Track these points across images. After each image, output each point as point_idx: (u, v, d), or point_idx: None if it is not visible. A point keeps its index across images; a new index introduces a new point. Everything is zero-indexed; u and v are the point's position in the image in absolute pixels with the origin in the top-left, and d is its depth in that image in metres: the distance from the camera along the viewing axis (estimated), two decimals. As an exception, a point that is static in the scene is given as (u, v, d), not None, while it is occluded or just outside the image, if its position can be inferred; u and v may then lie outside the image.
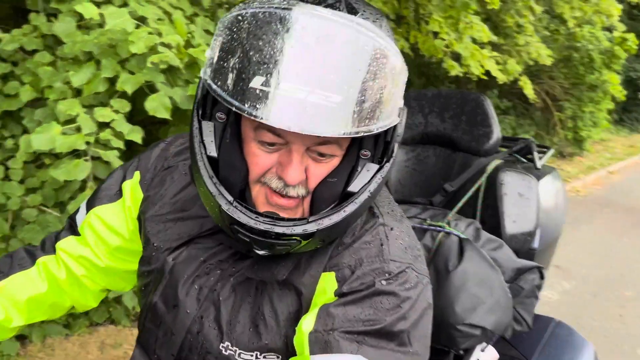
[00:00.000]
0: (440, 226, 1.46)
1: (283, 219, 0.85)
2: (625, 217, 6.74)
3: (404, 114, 0.90)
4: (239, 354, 0.95)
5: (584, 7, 6.41)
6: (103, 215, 1.13)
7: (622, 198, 7.65)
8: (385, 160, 0.90)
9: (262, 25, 0.77)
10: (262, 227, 0.84)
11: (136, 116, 2.64)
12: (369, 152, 0.89)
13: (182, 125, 2.81)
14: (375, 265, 0.92)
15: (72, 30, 2.56)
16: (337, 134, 0.77)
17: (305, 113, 0.75)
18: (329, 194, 0.89)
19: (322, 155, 0.87)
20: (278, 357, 0.95)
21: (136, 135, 2.41)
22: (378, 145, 0.90)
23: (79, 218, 1.16)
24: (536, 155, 1.67)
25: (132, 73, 2.46)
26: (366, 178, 0.89)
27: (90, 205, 1.14)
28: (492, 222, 1.53)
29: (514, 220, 1.51)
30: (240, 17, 0.80)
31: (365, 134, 0.80)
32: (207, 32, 2.84)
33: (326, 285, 0.93)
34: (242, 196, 0.89)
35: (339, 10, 0.81)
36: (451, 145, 1.70)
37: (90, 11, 2.46)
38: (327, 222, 0.86)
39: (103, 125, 2.57)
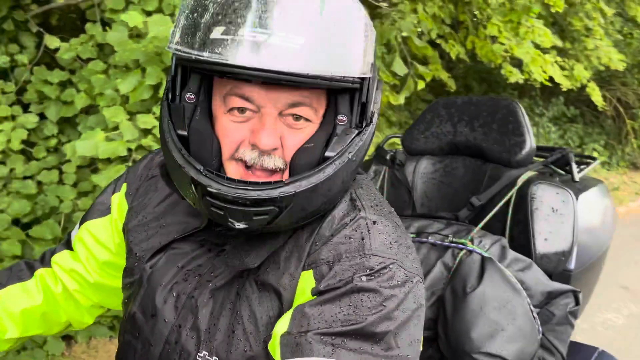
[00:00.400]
0: (462, 243, 1.34)
1: (258, 183, 0.80)
2: None
3: (380, 84, 0.89)
4: None
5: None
6: (93, 230, 1.13)
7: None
8: (364, 125, 0.86)
9: None
10: (235, 192, 0.79)
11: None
12: (346, 118, 0.86)
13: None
14: (355, 261, 0.85)
15: (124, 39, 2.65)
16: (300, 71, 0.75)
17: (266, 53, 0.74)
18: (306, 160, 0.84)
19: (296, 119, 0.84)
20: None
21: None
22: (355, 111, 0.86)
23: (73, 233, 1.17)
24: (574, 166, 1.52)
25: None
26: (345, 142, 0.84)
27: (83, 220, 1.15)
28: (522, 239, 1.40)
29: (546, 238, 1.37)
30: None
31: (335, 81, 0.78)
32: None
33: (305, 285, 0.87)
34: None
35: None
36: (481, 155, 1.58)
37: (134, 19, 2.54)
38: (305, 183, 0.81)
39: (146, 132, 2.63)
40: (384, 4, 3.85)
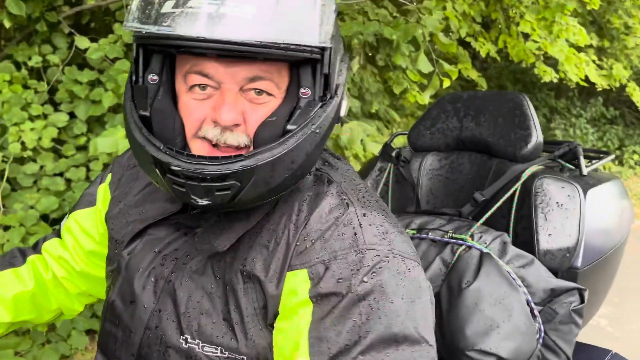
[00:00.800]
0: (462, 239, 1.32)
1: (217, 158, 0.79)
2: None
3: (345, 57, 0.89)
4: (202, 347, 0.89)
5: None
6: (80, 220, 1.16)
7: None
8: (329, 97, 0.85)
9: None
10: (195, 168, 0.79)
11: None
12: (309, 90, 0.85)
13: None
14: (351, 258, 0.84)
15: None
16: (252, 40, 0.75)
17: (217, 22, 0.74)
18: (269, 134, 0.84)
19: (258, 93, 0.83)
20: (241, 359, 0.89)
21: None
22: (318, 83, 0.85)
23: (63, 222, 1.20)
24: (582, 160, 1.47)
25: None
26: (308, 114, 0.84)
27: (72, 210, 1.18)
28: (526, 236, 1.36)
29: (550, 233, 1.33)
30: None
31: (290, 51, 0.78)
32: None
33: (297, 284, 0.85)
34: None
35: None
36: (487, 150, 1.55)
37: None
38: (266, 156, 0.80)
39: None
40: (410, 4, 3.82)
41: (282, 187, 0.86)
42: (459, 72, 4.50)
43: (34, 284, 1.15)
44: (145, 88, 0.87)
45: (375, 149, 3.15)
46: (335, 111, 0.88)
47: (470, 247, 1.29)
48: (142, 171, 1.07)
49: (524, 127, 1.45)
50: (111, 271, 1.05)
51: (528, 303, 1.24)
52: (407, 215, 1.48)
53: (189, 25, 0.75)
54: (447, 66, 3.53)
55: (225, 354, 0.89)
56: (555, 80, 4.94)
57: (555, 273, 1.34)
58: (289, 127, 0.83)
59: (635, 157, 8.04)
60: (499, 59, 5.16)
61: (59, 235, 1.20)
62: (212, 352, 0.89)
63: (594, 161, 1.60)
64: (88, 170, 2.97)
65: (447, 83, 3.56)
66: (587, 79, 5.00)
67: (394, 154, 1.71)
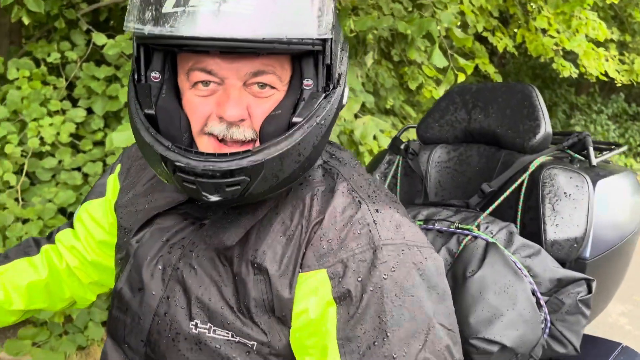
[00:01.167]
0: (468, 229, 1.32)
1: (226, 155, 0.80)
2: None
3: (345, 46, 0.91)
4: (214, 330, 0.91)
5: None
6: (91, 210, 1.19)
7: None
8: (332, 87, 0.86)
9: None
10: (204, 165, 0.79)
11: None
12: (312, 82, 0.86)
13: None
14: (368, 255, 0.85)
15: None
16: (254, 36, 0.75)
17: (219, 21, 0.75)
18: (275, 127, 0.84)
19: (262, 87, 0.84)
20: (252, 345, 0.90)
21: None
22: (320, 74, 0.86)
23: (75, 213, 1.23)
24: (591, 150, 1.46)
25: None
26: (312, 106, 0.84)
27: (84, 201, 1.21)
28: (534, 226, 1.36)
29: (557, 223, 1.32)
30: None
31: (293, 44, 0.79)
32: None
33: (316, 284, 0.86)
34: None
35: None
36: (496, 142, 1.54)
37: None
38: (274, 150, 0.81)
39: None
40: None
41: (290, 178, 0.87)
42: (477, 67, 4.47)
43: (48, 272, 1.18)
44: (148, 86, 0.88)
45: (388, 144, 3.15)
46: (338, 101, 0.89)
47: (476, 237, 1.29)
48: None
49: (532, 118, 1.44)
50: (120, 259, 1.07)
51: (534, 293, 1.23)
52: (415, 207, 1.48)
53: (192, 25, 0.76)
54: (462, 61, 3.51)
55: (236, 338, 0.90)
56: (574, 76, 4.87)
57: (563, 264, 1.33)
58: (294, 119, 0.84)
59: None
60: (516, 53, 5.11)
61: (71, 225, 1.23)
62: (224, 336, 0.90)
63: (604, 152, 1.59)
64: (104, 164, 3.02)
65: (462, 78, 3.53)
66: (607, 74, 4.93)
67: (402, 146, 1.71)
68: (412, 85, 4.12)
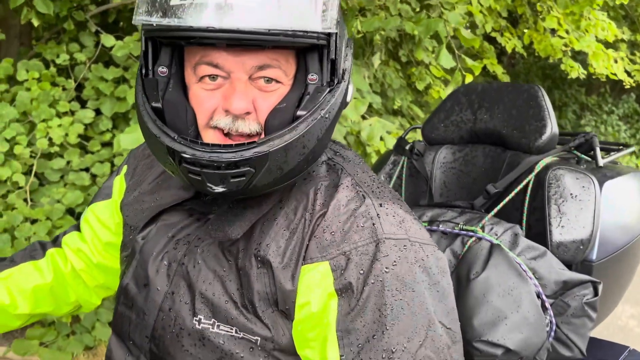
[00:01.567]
0: (472, 231, 1.31)
1: (231, 146, 0.81)
2: None
3: (350, 42, 0.92)
4: (217, 326, 0.91)
5: None
6: (97, 212, 1.20)
7: None
8: (336, 82, 0.87)
9: None
10: (209, 156, 0.80)
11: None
12: (317, 76, 0.87)
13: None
14: (371, 248, 0.85)
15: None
16: (260, 28, 0.77)
17: (225, 12, 0.76)
18: (280, 120, 0.85)
19: (267, 81, 0.85)
20: (255, 340, 0.90)
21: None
22: (325, 69, 0.87)
23: (82, 215, 1.24)
24: (598, 151, 1.44)
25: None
26: (316, 100, 0.85)
27: (90, 203, 1.22)
28: (539, 228, 1.34)
29: (563, 225, 1.30)
30: None
31: (298, 37, 0.80)
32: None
33: (319, 277, 0.86)
34: None
35: None
36: (502, 143, 1.53)
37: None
38: (278, 142, 0.82)
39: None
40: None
41: (295, 171, 0.88)
42: (485, 67, 4.45)
43: (53, 276, 1.18)
44: (155, 81, 0.89)
45: (395, 145, 3.14)
46: (342, 96, 0.90)
47: (480, 239, 1.28)
48: (156, 160, 1.10)
49: (538, 118, 1.43)
50: (125, 256, 1.07)
51: (539, 295, 1.22)
52: (420, 208, 1.47)
53: (199, 16, 0.77)
54: (470, 61, 3.49)
55: (239, 334, 0.90)
56: (582, 76, 4.84)
57: (569, 266, 1.31)
58: (299, 112, 0.85)
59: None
60: (525, 54, 5.08)
61: (78, 228, 1.24)
62: (227, 332, 0.90)
63: (612, 153, 1.57)
64: (112, 165, 3.04)
65: (469, 78, 3.52)
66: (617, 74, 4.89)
67: (407, 147, 1.70)
68: (420, 86, 4.11)
